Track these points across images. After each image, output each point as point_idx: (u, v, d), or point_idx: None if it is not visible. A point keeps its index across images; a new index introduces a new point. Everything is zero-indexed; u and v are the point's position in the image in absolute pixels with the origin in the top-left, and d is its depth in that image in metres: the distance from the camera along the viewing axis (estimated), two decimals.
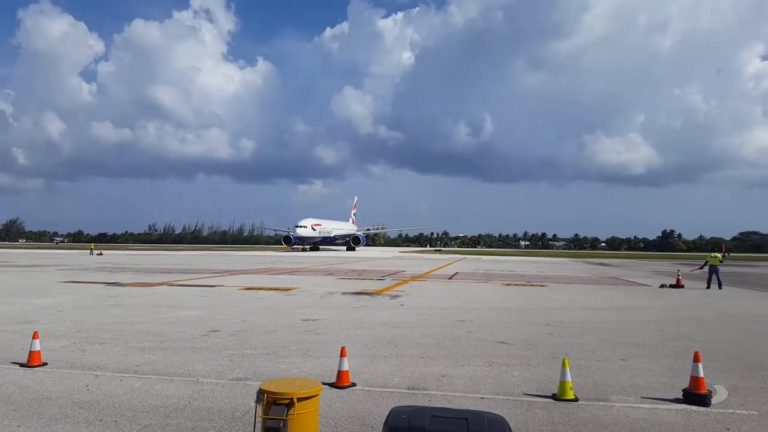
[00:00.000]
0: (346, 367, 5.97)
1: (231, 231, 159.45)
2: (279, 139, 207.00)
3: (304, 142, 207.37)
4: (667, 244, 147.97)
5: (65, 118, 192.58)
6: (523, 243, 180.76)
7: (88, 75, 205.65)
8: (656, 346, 8.49)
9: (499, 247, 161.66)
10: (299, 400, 3.35)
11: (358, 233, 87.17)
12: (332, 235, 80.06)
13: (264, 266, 31.81)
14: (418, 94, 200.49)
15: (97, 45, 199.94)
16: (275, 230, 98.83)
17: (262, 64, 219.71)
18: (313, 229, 73.66)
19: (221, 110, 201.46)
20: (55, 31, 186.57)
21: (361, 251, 78.98)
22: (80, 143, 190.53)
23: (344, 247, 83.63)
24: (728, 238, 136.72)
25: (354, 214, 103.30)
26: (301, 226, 72.00)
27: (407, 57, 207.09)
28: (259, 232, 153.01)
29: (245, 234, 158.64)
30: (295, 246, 78.72)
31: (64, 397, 5.43)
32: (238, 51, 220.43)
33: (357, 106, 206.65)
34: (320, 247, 77.28)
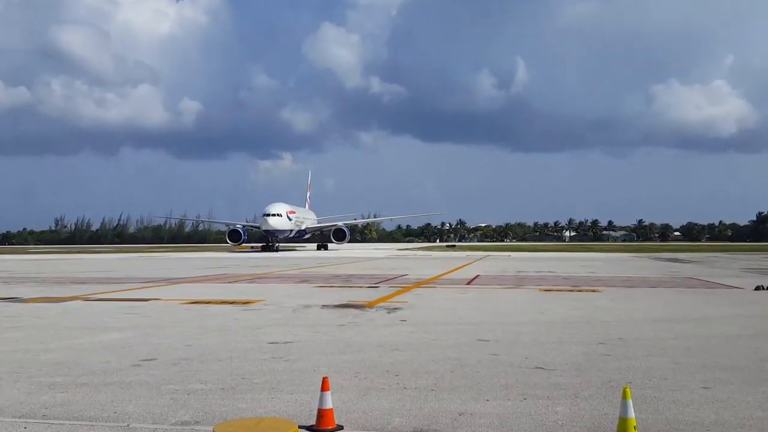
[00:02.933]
0: (329, 404, 6.01)
1: (168, 225, 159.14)
2: (233, 98, 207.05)
3: (268, 102, 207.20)
4: (764, 231, 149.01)
5: None
6: (567, 234, 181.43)
7: None
8: (750, 369, 8.59)
9: (534, 241, 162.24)
10: None
11: (339, 224, 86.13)
12: (303, 228, 79.30)
13: (215, 272, 31.83)
14: (423, 32, 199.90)
15: None
16: (228, 223, 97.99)
17: None
18: (289, 219, 71.92)
19: (152, 59, 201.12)
20: None
21: (343, 249, 78.83)
22: None
23: (315, 245, 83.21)
24: None
25: (309, 197, 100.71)
26: (272, 215, 69.11)
27: None
28: (207, 227, 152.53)
29: (188, 229, 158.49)
30: (253, 245, 78.55)
31: None
32: None
33: (339, 49, 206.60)
34: (279, 246, 75.02)
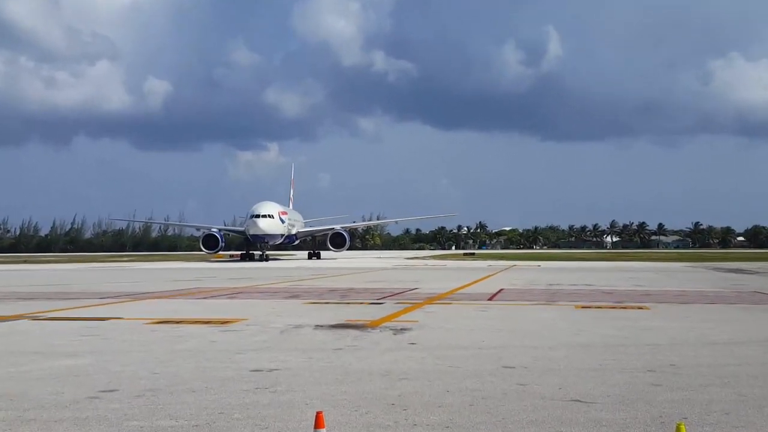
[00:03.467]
0: None
1: (131, 230, 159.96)
2: (208, 77, 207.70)
3: (250, 82, 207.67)
4: None
5: None
6: (609, 239, 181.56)
7: None
8: None
9: (569, 248, 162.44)
10: None
11: (336, 228, 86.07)
12: (294, 232, 79.43)
13: (187, 285, 31.94)
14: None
15: None
16: (202, 227, 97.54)
17: None
18: (281, 221, 72.08)
19: (112, 31, 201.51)
20: None
21: (340, 258, 78.88)
22: None
23: (305, 253, 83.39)
24: None
25: (292, 196, 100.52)
26: (263, 216, 69.51)
27: None
28: (178, 231, 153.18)
29: (154, 234, 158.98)
30: (233, 253, 78.57)
31: None
32: None
33: (336, 19, 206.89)
34: (267, 255, 74.88)
